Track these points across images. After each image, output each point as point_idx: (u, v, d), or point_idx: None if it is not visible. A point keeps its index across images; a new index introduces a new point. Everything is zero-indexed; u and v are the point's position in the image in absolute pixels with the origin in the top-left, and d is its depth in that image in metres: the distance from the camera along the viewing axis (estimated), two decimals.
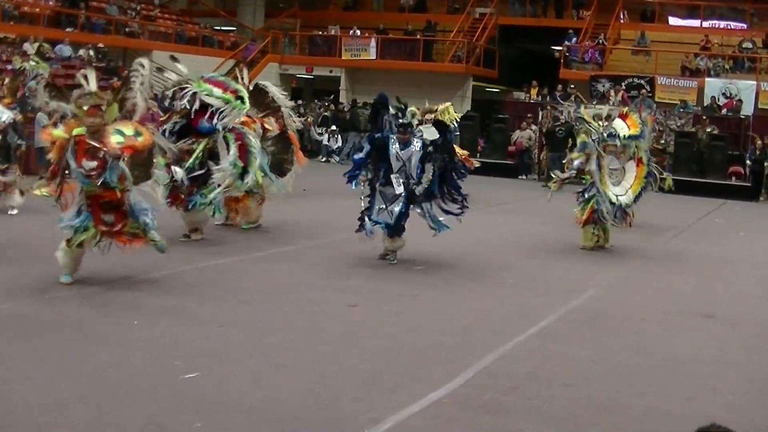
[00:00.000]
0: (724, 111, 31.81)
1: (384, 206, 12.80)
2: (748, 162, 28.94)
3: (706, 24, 37.07)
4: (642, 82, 32.94)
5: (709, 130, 29.66)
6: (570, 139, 27.45)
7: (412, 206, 12.90)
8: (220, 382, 7.37)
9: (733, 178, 28.92)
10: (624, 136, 15.12)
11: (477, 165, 19.80)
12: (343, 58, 37.85)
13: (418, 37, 38.25)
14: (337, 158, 32.74)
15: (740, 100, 31.97)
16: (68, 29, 32.21)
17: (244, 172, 13.44)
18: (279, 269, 12.23)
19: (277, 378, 7.60)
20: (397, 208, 12.74)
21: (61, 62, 29.61)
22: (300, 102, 34.07)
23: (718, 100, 32.23)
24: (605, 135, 14.94)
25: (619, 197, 15.09)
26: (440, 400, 7.25)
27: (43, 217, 15.16)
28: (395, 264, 12.97)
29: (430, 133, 12.75)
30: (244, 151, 13.46)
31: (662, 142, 17.24)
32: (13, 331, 8.57)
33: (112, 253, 11.33)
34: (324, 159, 32.92)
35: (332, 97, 36.73)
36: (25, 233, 13.97)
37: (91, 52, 30.80)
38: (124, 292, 10.37)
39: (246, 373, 7.67)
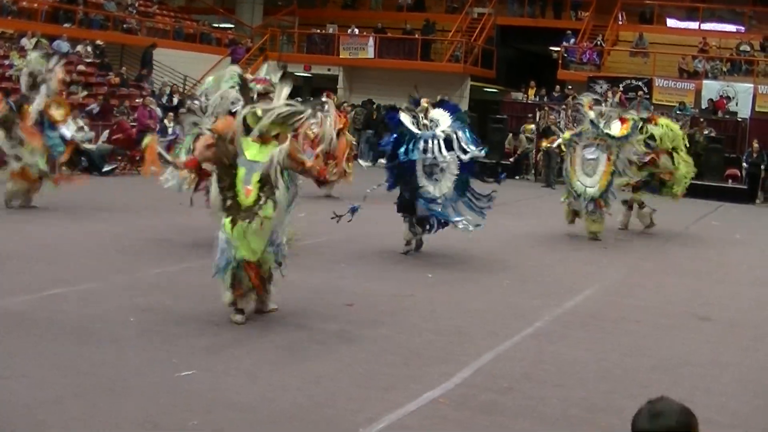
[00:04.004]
0: (719, 114, 31.89)
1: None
2: (744, 165, 28.99)
3: (704, 26, 37.05)
4: (640, 83, 32.95)
5: (706, 132, 29.69)
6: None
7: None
8: (216, 381, 7.37)
9: (730, 181, 28.97)
10: (607, 132, 16.30)
11: None
12: (341, 56, 37.83)
13: (417, 36, 38.25)
14: None
15: (728, 97, 32.07)
16: (66, 25, 32.17)
17: None
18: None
19: (273, 377, 7.60)
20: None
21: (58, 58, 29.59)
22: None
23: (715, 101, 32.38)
24: (591, 125, 16.31)
25: (587, 189, 16.23)
26: (435, 399, 7.25)
27: (40, 217, 15.20)
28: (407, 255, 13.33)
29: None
30: None
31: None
32: (8, 328, 8.56)
33: (107, 253, 11.34)
34: None
35: None
36: (22, 233, 13.97)
37: (89, 49, 30.79)
38: (119, 291, 10.36)
39: (241, 371, 7.67)
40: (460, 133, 13.34)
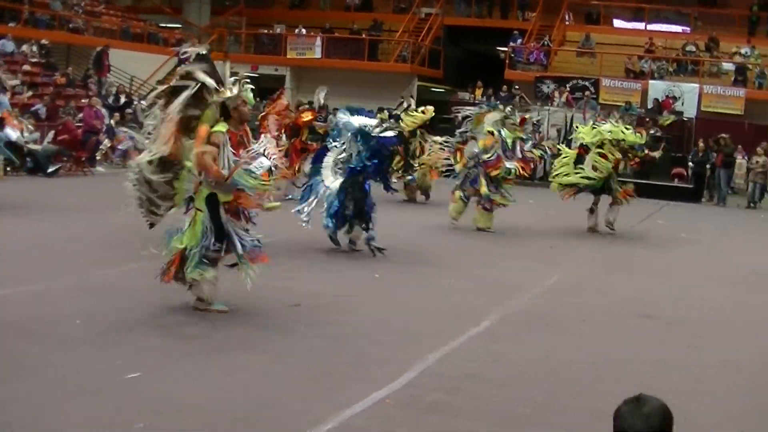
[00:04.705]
0: (664, 113, 32.17)
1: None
2: (690, 164, 29.28)
3: (650, 27, 37.38)
4: (586, 83, 33.18)
5: (652, 132, 29.91)
6: None
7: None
8: (161, 383, 7.33)
9: (676, 180, 29.24)
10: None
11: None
12: (288, 56, 37.76)
13: (364, 36, 38.27)
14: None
15: (675, 97, 32.41)
16: (11, 24, 31.83)
17: None
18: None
19: (218, 378, 7.56)
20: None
21: (3, 58, 29.29)
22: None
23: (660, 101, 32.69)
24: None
25: None
26: (382, 400, 7.26)
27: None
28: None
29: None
30: None
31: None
32: None
33: (56, 252, 11.18)
34: None
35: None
36: None
37: (34, 48, 30.48)
38: (68, 292, 10.26)
39: (186, 373, 7.63)
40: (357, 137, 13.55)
